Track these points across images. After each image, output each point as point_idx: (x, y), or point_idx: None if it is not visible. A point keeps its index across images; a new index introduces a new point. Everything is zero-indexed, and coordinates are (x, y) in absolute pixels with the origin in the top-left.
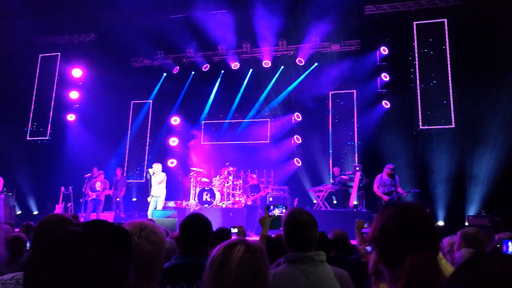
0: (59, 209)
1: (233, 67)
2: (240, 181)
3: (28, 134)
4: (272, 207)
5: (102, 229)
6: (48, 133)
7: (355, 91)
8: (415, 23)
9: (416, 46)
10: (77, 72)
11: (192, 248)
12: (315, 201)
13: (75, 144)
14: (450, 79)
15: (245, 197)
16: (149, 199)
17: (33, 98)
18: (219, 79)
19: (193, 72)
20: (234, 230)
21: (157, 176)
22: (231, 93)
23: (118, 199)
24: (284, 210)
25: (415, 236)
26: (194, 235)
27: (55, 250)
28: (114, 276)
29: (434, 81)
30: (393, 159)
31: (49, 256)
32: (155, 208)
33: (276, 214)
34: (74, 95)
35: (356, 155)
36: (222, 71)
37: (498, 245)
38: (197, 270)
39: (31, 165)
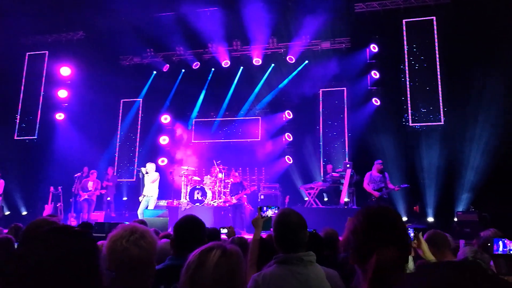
0: (48, 209)
1: (223, 65)
2: (231, 179)
3: (16, 133)
4: (265, 208)
5: (62, 238)
6: (37, 132)
7: (345, 88)
8: (404, 20)
9: (405, 44)
10: (65, 71)
11: (186, 249)
12: (306, 199)
13: (64, 143)
14: (439, 76)
15: (229, 195)
16: (141, 198)
17: (21, 96)
18: (209, 77)
19: (183, 70)
20: (224, 231)
21: (150, 176)
22: (222, 91)
23: (108, 198)
24: (276, 211)
25: (381, 234)
26: (188, 236)
27: (20, 257)
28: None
29: (424, 79)
30: (383, 156)
31: (16, 262)
32: (147, 208)
33: (269, 215)
34: (62, 93)
35: (347, 152)
36: (213, 69)
37: (489, 244)
38: None
39: (19, 165)
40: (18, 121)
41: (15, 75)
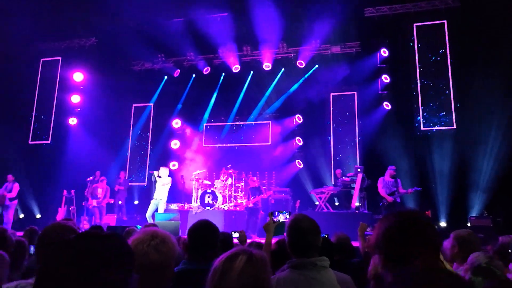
0: (61, 212)
1: (233, 70)
2: (242, 184)
3: (30, 138)
4: (276, 213)
5: (98, 243)
6: (50, 136)
7: (355, 93)
8: (415, 24)
9: (416, 48)
10: (78, 76)
11: (200, 254)
12: (317, 203)
13: (76, 147)
14: (450, 80)
15: (246, 199)
16: (152, 201)
17: (35, 102)
18: (220, 82)
19: (194, 75)
20: (235, 235)
21: (163, 179)
22: (232, 96)
23: (120, 202)
24: (288, 216)
25: (419, 241)
26: (202, 241)
27: (53, 264)
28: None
29: (435, 83)
30: (394, 160)
31: (48, 270)
32: (156, 211)
33: (280, 220)
34: (75, 99)
35: (358, 156)
36: (223, 74)
37: (510, 250)
38: (205, 276)
39: (33, 169)
40: (32, 125)
41: (30, 80)
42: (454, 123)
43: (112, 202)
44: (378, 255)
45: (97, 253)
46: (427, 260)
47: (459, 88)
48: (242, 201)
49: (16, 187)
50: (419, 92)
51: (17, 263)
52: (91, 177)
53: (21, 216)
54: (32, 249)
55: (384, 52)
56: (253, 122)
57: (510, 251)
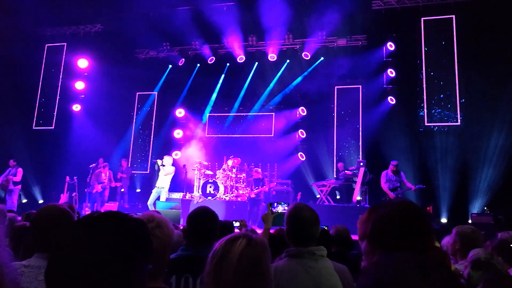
0: (63, 198)
1: (238, 60)
2: (244, 174)
3: (34, 123)
4: (275, 204)
5: (119, 225)
6: (54, 122)
7: (360, 86)
8: (422, 19)
9: (423, 42)
10: (83, 63)
11: (199, 240)
12: (318, 196)
13: (80, 134)
14: (457, 76)
15: (248, 190)
16: (154, 189)
17: (39, 87)
18: (224, 72)
19: (198, 65)
20: (236, 224)
21: (166, 168)
22: (236, 86)
23: (122, 190)
24: (286, 208)
25: (412, 231)
26: (201, 228)
27: (72, 246)
28: (130, 273)
29: (441, 78)
30: (397, 155)
31: (66, 253)
32: (158, 199)
33: (279, 211)
34: (79, 85)
35: (361, 150)
36: (228, 64)
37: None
38: (203, 262)
39: (37, 154)
40: (36, 111)
41: (34, 66)
42: (459, 120)
43: (118, 185)
44: (367, 244)
45: (121, 237)
46: (420, 251)
47: (464, 85)
48: (244, 191)
49: (20, 171)
50: (424, 87)
51: (19, 246)
52: (93, 164)
53: (24, 201)
54: None
55: (391, 46)
56: (256, 114)
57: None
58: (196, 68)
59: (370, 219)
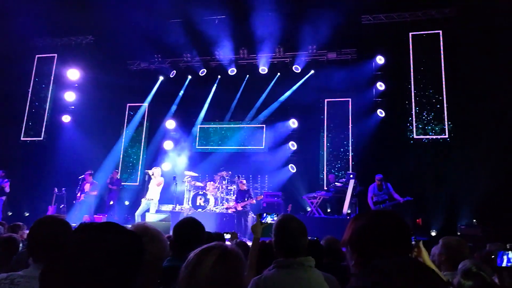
0: (51, 210)
1: (230, 73)
2: (234, 187)
3: (22, 134)
4: (264, 214)
5: (115, 236)
6: (43, 133)
7: (350, 99)
8: (410, 33)
9: (411, 56)
10: (73, 74)
11: (185, 251)
12: (309, 208)
13: (70, 145)
14: (444, 89)
15: (234, 202)
16: (143, 200)
17: (29, 98)
18: (215, 84)
19: (189, 77)
20: (227, 236)
21: (156, 179)
22: (227, 98)
23: (111, 203)
24: (275, 218)
25: (390, 239)
26: (187, 238)
27: (67, 255)
28: (123, 282)
29: (429, 92)
30: (387, 167)
31: (63, 261)
32: (147, 211)
33: (268, 222)
34: (70, 96)
35: (351, 162)
36: (219, 76)
37: (492, 256)
38: None
39: (24, 166)
40: (25, 122)
41: (24, 76)
42: (447, 133)
43: (95, 194)
44: (350, 252)
45: (117, 247)
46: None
47: (452, 98)
48: (232, 204)
49: (7, 183)
50: (413, 100)
51: (7, 258)
52: (83, 176)
53: (9, 213)
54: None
55: (380, 59)
56: (247, 126)
57: (492, 256)
58: (187, 80)
59: (352, 226)
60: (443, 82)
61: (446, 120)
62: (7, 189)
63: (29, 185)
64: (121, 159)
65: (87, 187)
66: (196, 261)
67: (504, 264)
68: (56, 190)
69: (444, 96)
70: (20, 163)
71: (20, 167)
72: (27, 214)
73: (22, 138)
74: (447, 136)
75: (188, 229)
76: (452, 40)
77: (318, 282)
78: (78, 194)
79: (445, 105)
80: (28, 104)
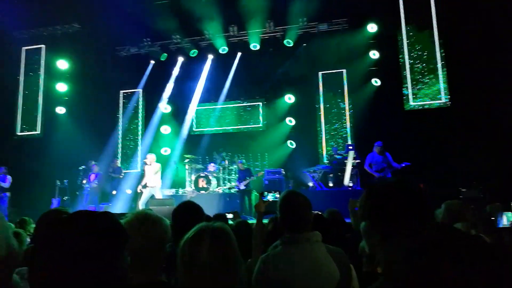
0: (55, 203)
1: (221, 52)
2: (235, 166)
3: (18, 129)
4: (265, 193)
5: (88, 221)
6: (39, 127)
7: (344, 70)
8: None
9: (403, 21)
10: (63, 64)
11: (185, 235)
12: (310, 182)
13: (67, 136)
14: (438, 53)
15: (236, 182)
16: (140, 188)
17: (21, 92)
18: (208, 64)
19: (181, 59)
20: (230, 216)
21: (153, 166)
22: (221, 78)
23: (114, 192)
24: (277, 195)
25: (411, 208)
26: (186, 222)
27: (46, 242)
28: (105, 264)
29: (424, 57)
30: (385, 136)
31: (43, 248)
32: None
33: (270, 200)
34: (62, 87)
35: (349, 134)
36: (211, 56)
37: (492, 218)
38: None
39: (23, 160)
40: (19, 117)
41: (13, 70)
42: (443, 98)
43: (99, 186)
44: (367, 225)
45: (89, 230)
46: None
47: (449, 62)
48: (234, 183)
49: (9, 178)
50: (408, 66)
51: None
52: (83, 166)
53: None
54: (28, 239)
55: (372, 27)
56: (243, 104)
57: (492, 218)
58: (179, 62)
59: (369, 200)
60: (437, 46)
61: (442, 85)
62: (7, 185)
63: (30, 180)
64: (119, 147)
65: (92, 177)
66: (191, 249)
67: (503, 225)
68: (58, 182)
69: (439, 60)
70: (19, 158)
71: (19, 162)
72: (31, 209)
73: (18, 133)
74: (443, 101)
75: (187, 213)
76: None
77: (325, 256)
78: (84, 182)
79: (439, 70)
80: (20, 98)
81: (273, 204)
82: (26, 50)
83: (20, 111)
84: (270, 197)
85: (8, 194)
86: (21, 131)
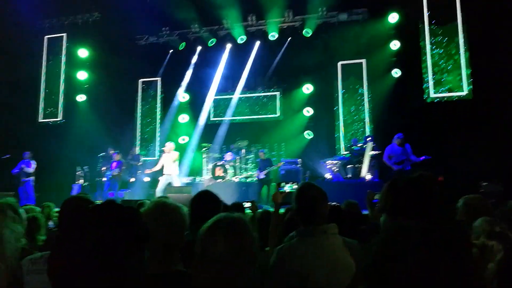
0: (76, 188)
1: (239, 41)
2: (252, 156)
3: (40, 116)
4: (283, 183)
5: (112, 211)
6: (60, 114)
7: (364, 60)
8: None
9: (425, 10)
10: (83, 52)
11: (202, 224)
12: (327, 173)
13: (87, 124)
14: (462, 44)
15: (257, 171)
16: (161, 177)
17: (42, 80)
18: (226, 54)
19: (199, 47)
20: (247, 205)
21: (171, 155)
22: (239, 67)
23: (133, 179)
24: (294, 186)
25: (429, 205)
26: (203, 212)
27: (71, 231)
28: (125, 253)
29: (446, 48)
30: (405, 128)
31: (66, 236)
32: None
33: (287, 191)
34: (82, 75)
35: (368, 125)
36: (229, 45)
37: None
38: None
39: (45, 146)
40: (42, 104)
41: (35, 58)
42: (466, 90)
43: (127, 172)
44: (387, 217)
45: (111, 223)
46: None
47: (472, 52)
48: (253, 172)
49: (33, 163)
50: (429, 57)
51: (33, 237)
52: (103, 153)
53: (36, 194)
54: (50, 223)
55: (393, 17)
56: (261, 94)
57: None
58: (198, 51)
59: (390, 193)
60: (461, 37)
61: (464, 76)
62: (31, 170)
63: (52, 165)
64: (138, 135)
65: (114, 165)
66: (205, 241)
67: None
68: (78, 169)
69: (462, 52)
70: (40, 144)
71: (41, 148)
72: (52, 195)
73: (40, 120)
74: (465, 92)
75: (204, 202)
76: None
77: (341, 249)
78: (104, 169)
79: (462, 61)
80: (42, 86)
81: (290, 195)
82: (48, 38)
83: (42, 98)
84: (287, 188)
85: (32, 178)
86: (44, 118)
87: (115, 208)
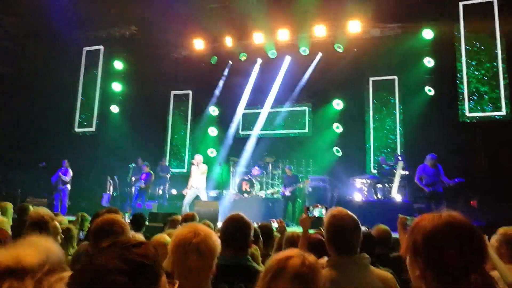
0: (106, 197)
1: (270, 55)
2: (279, 171)
3: (75, 126)
4: (311, 207)
5: (122, 260)
6: (94, 124)
7: (396, 77)
8: (461, 3)
9: (462, 28)
10: (119, 65)
11: (232, 249)
12: (356, 192)
13: (119, 135)
14: (500, 62)
15: (282, 187)
16: (187, 191)
17: (80, 90)
18: (256, 68)
19: (230, 62)
20: (275, 225)
21: (200, 167)
22: (269, 82)
23: (161, 190)
24: (323, 211)
25: (475, 250)
26: (234, 237)
27: (79, 280)
28: None
29: (483, 66)
30: (437, 148)
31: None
32: (196, 199)
33: (316, 216)
34: (117, 87)
35: (399, 144)
36: (260, 60)
37: None
38: (237, 271)
39: (79, 156)
40: (78, 114)
41: (71, 69)
42: (504, 109)
43: (147, 186)
44: (415, 262)
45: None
46: (484, 273)
47: (510, 72)
48: (280, 188)
49: (70, 172)
50: (465, 75)
51: (65, 248)
52: (133, 164)
53: (68, 203)
54: (81, 234)
55: (427, 33)
56: (290, 109)
57: None
58: (229, 65)
59: (415, 233)
60: (499, 54)
61: (502, 95)
62: (68, 178)
63: (84, 174)
64: (168, 147)
65: (143, 176)
66: (277, 268)
67: None
68: (109, 178)
69: (500, 70)
70: (75, 153)
71: (76, 157)
72: (84, 203)
73: (76, 129)
74: (504, 113)
75: (235, 228)
76: (508, 7)
77: (373, 282)
78: (134, 179)
79: (500, 80)
80: (79, 96)
81: (319, 221)
82: (87, 51)
83: (79, 108)
84: (316, 212)
85: (68, 186)
86: (79, 127)
87: (125, 249)
